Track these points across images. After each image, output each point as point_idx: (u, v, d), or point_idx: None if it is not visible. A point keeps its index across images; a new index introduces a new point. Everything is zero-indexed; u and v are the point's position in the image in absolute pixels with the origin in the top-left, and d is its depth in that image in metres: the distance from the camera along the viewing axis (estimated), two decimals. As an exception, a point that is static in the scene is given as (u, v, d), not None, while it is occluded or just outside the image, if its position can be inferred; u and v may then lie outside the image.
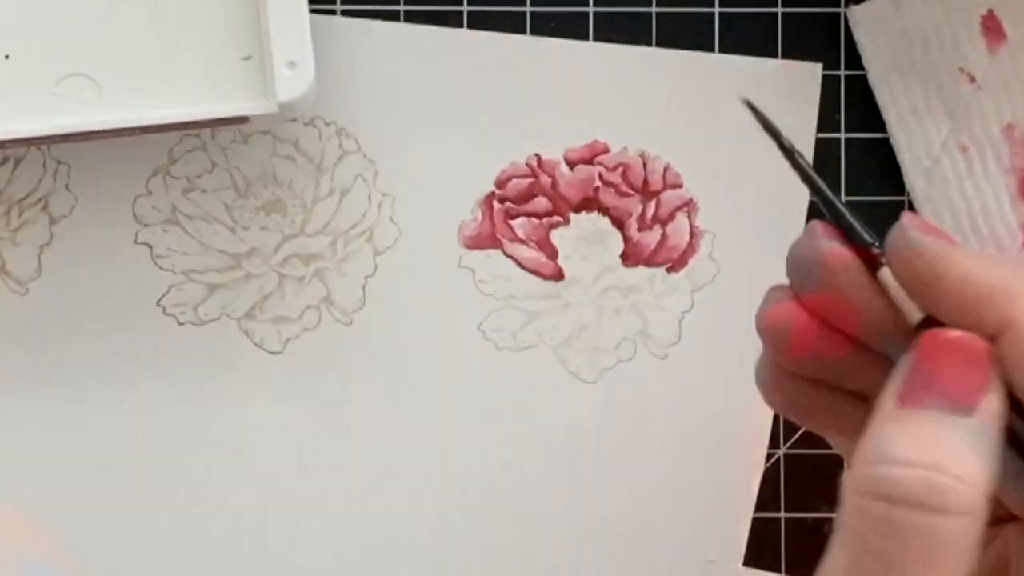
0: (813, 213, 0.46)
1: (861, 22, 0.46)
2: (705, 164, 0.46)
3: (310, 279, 0.46)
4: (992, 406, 0.32)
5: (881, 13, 0.46)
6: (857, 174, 0.47)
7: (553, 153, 0.46)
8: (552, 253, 0.46)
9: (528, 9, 0.46)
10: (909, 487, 0.31)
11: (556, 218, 0.46)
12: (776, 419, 0.46)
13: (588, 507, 0.46)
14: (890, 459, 0.31)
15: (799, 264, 0.35)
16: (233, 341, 0.46)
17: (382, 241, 0.46)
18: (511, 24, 0.46)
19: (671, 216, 0.46)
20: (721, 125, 0.46)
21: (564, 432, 0.46)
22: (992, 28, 0.46)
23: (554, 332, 0.46)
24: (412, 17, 0.46)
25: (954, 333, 0.32)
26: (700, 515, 0.46)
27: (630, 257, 0.46)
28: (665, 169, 0.46)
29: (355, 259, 0.46)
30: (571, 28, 0.46)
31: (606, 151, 0.46)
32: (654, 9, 0.47)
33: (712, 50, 0.46)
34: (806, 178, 0.36)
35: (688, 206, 0.46)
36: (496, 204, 0.46)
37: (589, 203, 0.46)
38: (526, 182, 0.46)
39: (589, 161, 0.46)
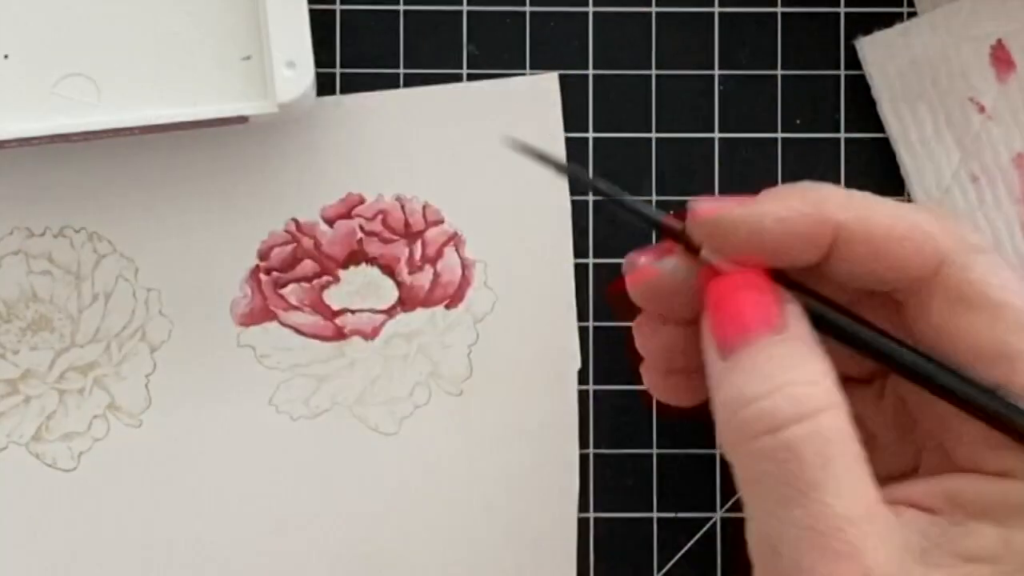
0: (577, 217, 0.46)
1: (870, 53, 0.46)
2: (463, 195, 0.46)
3: (90, 389, 0.45)
4: (794, 313, 0.37)
5: (890, 44, 0.46)
6: (857, 174, 0.46)
7: (310, 214, 0.46)
8: (329, 314, 0.46)
9: (528, 9, 0.46)
10: (779, 410, 0.35)
11: (326, 278, 0.46)
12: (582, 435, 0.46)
13: (420, 555, 0.45)
14: (748, 399, 0.35)
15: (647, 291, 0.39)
16: (23, 466, 0.45)
17: (156, 336, 0.45)
18: (512, 24, 0.46)
19: (439, 253, 0.46)
20: (471, 153, 0.46)
21: (374, 488, 0.45)
22: (1001, 58, 0.46)
23: (347, 391, 0.46)
24: (412, 16, 0.46)
25: (728, 276, 0.37)
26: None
27: (407, 302, 0.46)
28: (424, 208, 0.46)
29: (132, 360, 0.45)
30: (571, 28, 0.46)
31: (362, 202, 0.46)
32: (654, 9, 0.46)
33: (712, 51, 0.46)
34: (593, 188, 0.40)
35: (454, 240, 0.46)
36: (263, 276, 0.46)
37: (355, 256, 0.46)
38: (289, 248, 0.46)
39: (347, 215, 0.46)
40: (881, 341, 0.38)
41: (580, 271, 0.46)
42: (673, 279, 0.39)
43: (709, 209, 0.38)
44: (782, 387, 0.36)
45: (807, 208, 0.37)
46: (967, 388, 0.37)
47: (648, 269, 0.39)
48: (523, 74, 0.46)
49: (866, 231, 0.37)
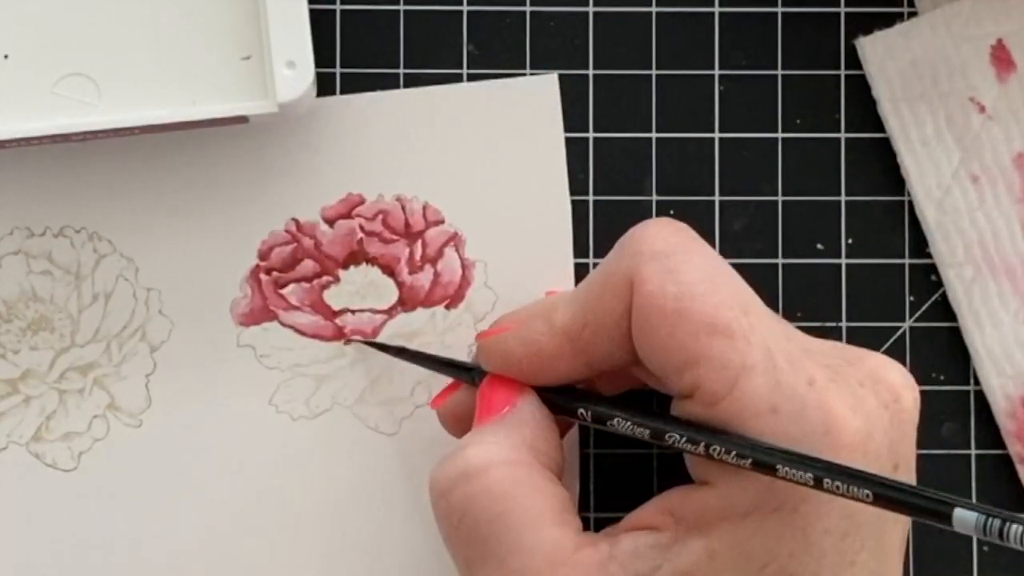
0: (577, 217, 0.46)
1: (870, 53, 0.46)
2: (463, 195, 0.46)
3: (90, 389, 0.45)
4: (526, 400, 0.40)
5: (890, 44, 0.46)
6: (857, 174, 0.46)
7: (310, 214, 0.46)
8: (329, 314, 0.46)
9: (528, 9, 0.46)
10: (454, 471, 0.39)
11: (326, 278, 0.46)
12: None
13: (423, 555, 0.45)
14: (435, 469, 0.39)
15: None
16: (23, 466, 0.45)
17: (156, 336, 0.45)
18: (512, 24, 0.46)
19: (439, 253, 0.46)
20: (471, 153, 0.46)
21: (374, 487, 0.45)
22: (1001, 58, 0.46)
23: (346, 391, 0.46)
24: (412, 16, 0.46)
25: (488, 379, 0.41)
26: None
27: (407, 302, 0.46)
28: (424, 208, 0.46)
29: (132, 360, 0.45)
30: (571, 28, 0.46)
31: (362, 202, 0.46)
32: (654, 9, 0.46)
33: (712, 51, 0.46)
34: (415, 359, 0.44)
35: (454, 240, 0.46)
36: (263, 276, 0.46)
37: (356, 256, 0.46)
38: (289, 248, 0.46)
39: (347, 215, 0.46)
40: (597, 410, 0.40)
41: (580, 271, 0.46)
42: (466, 405, 0.42)
43: (481, 335, 0.42)
44: (455, 452, 0.39)
45: (545, 326, 0.40)
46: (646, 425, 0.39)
47: (442, 407, 0.43)
48: (523, 74, 0.46)
49: (581, 316, 0.39)
